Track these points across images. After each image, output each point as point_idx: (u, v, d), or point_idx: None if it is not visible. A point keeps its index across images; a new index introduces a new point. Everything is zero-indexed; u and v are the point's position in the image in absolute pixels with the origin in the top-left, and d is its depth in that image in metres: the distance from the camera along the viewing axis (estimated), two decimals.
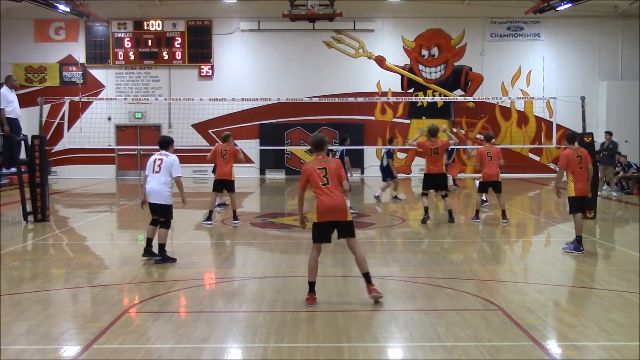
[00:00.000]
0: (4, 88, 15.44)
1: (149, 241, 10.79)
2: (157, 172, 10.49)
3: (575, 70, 30.12)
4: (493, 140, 15.90)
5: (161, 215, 10.67)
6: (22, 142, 15.95)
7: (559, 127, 21.43)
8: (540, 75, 30.37)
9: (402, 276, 9.55)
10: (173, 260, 10.58)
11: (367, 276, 8.03)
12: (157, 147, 10.92)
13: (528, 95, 29.69)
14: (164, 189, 10.50)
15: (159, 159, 10.56)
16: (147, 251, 10.76)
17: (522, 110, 30.44)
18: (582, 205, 11.52)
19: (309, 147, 25.37)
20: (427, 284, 9.01)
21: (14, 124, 15.49)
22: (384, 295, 8.05)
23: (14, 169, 15.61)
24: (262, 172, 30.11)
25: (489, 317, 7.35)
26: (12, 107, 15.42)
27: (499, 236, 13.66)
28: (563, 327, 7.09)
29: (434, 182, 14.77)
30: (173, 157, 10.61)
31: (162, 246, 10.58)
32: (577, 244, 11.28)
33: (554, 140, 19.50)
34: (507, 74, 30.40)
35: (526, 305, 7.89)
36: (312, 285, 7.98)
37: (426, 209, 14.77)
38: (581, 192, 11.21)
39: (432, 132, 14.64)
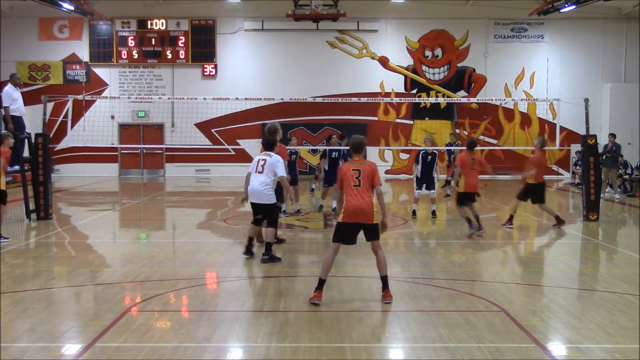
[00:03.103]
0: (8, 86, 15.47)
1: (250, 240, 10.72)
2: (259, 172, 10.42)
3: (578, 72, 30.08)
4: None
5: (266, 215, 10.60)
6: (26, 140, 15.99)
7: (562, 129, 21.40)
8: (543, 76, 30.34)
9: (404, 277, 9.54)
10: (278, 259, 10.48)
11: (384, 280, 8.07)
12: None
13: (531, 96, 29.65)
14: (266, 189, 10.40)
15: (262, 159, 10.51)
16: (248, 250, 10.71)
17: (525, 111, 30.43)
18: (469, 200, 13.21)
19: (313, 147, 25.26)
20: (429, 285, 9.00)
21: (18, 121, 15.52)
22: None
23: (17, 167, 15.62)
24: None
25: (491, 318, 7.35)
26: (17, 105, 15.45)
27: (501, 238, 13.65)
28: (566, 329, 7.09)
29: None
30: (277, 158, 10.56)
31: (269, 245, 10.48)
32: (470, 225, 12.99)
33: (557, 142, 19.46)
34: (511, 76, 30.37)
35: (529, 307, 7.89)
36: (321, 282, 7.97)
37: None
38: (470, 189, 13.12)
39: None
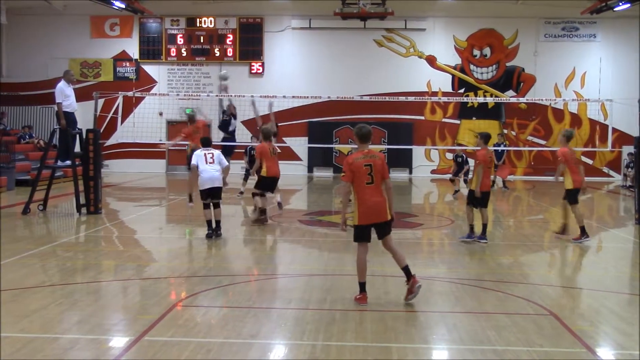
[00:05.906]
0: (62, 82, 15.77)
1: (211, 223, 12.39)
2: (211, 163, 12.32)
3: (632, 72, 29.22)
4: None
5: (218, 197, 12.50)
6: (77, 136, 16.30)
7: (614, 130, 20.94)
8: (595, 77, 29.72)
9: (450, 277, 9.45)
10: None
11: (407, 269, 7.92)
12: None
13: (582, 97, 29.09)
14: (220, 175, 12.37)
15: (209, 153, 12.44)
16: (213, 232, 12.39)
17: (576, 112, 29.87)
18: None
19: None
20: (475, 286, 8.90)
21: (70, 117, 15.82)
22: (432, 296, 8.01)
23: (68, 162, 15.95)
24: (309, 170, 30.15)
25: (540, 322, 7.22)
26: (69, 102, 15.75)
27: (549, 240, 13.41)
28: (617, 334, 6.92)
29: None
30: (219, 151, 12.70)
31: (219, 223, 12.46)
32: (482, 234, 12.31)
33: (610, 143, 19.04)
34: (561, 75, 29.85)
35: (578, 311, 7.74)
36: (363, 285, 7.92)
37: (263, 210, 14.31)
38: (484, 188, 12.20)
39: (266, 136, 14.44)
